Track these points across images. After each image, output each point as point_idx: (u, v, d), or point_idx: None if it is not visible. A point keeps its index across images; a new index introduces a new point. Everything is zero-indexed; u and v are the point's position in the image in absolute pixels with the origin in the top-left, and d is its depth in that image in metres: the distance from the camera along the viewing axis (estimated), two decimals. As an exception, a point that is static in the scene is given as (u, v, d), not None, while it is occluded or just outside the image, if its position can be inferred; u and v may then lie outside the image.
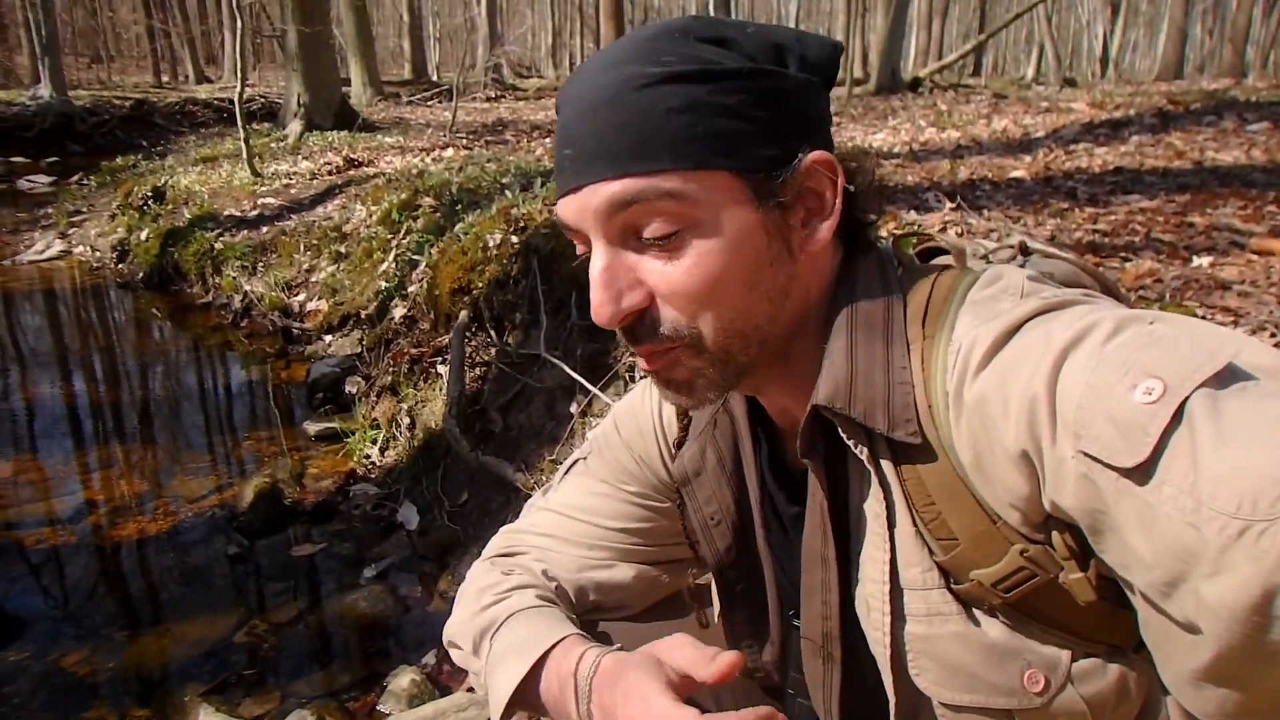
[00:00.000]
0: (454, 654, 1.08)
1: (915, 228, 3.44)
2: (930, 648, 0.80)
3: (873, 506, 0.80)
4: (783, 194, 0.78)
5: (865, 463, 0.78)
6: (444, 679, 2.50)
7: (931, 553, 0.78)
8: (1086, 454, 0.61)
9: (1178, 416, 0.57)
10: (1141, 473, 0.58)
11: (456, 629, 1.07)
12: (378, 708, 2.42)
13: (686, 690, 0.83)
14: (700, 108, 0.75)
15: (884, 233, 3.42)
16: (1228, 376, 0.59)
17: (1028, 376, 0.66)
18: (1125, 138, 5.92)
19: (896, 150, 6.15)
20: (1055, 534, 0.71)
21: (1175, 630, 0.62)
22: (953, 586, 0.78)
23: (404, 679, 2.47)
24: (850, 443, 0.79)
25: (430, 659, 2.58)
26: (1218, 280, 2.78)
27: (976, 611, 0.78)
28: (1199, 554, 0.56)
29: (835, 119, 9.04)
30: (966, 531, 0.75)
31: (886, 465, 0.79)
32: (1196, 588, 0.57)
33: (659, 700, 0.80)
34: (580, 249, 0.84)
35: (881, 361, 0.78)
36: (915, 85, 14.42)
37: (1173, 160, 4.97)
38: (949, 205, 3.84)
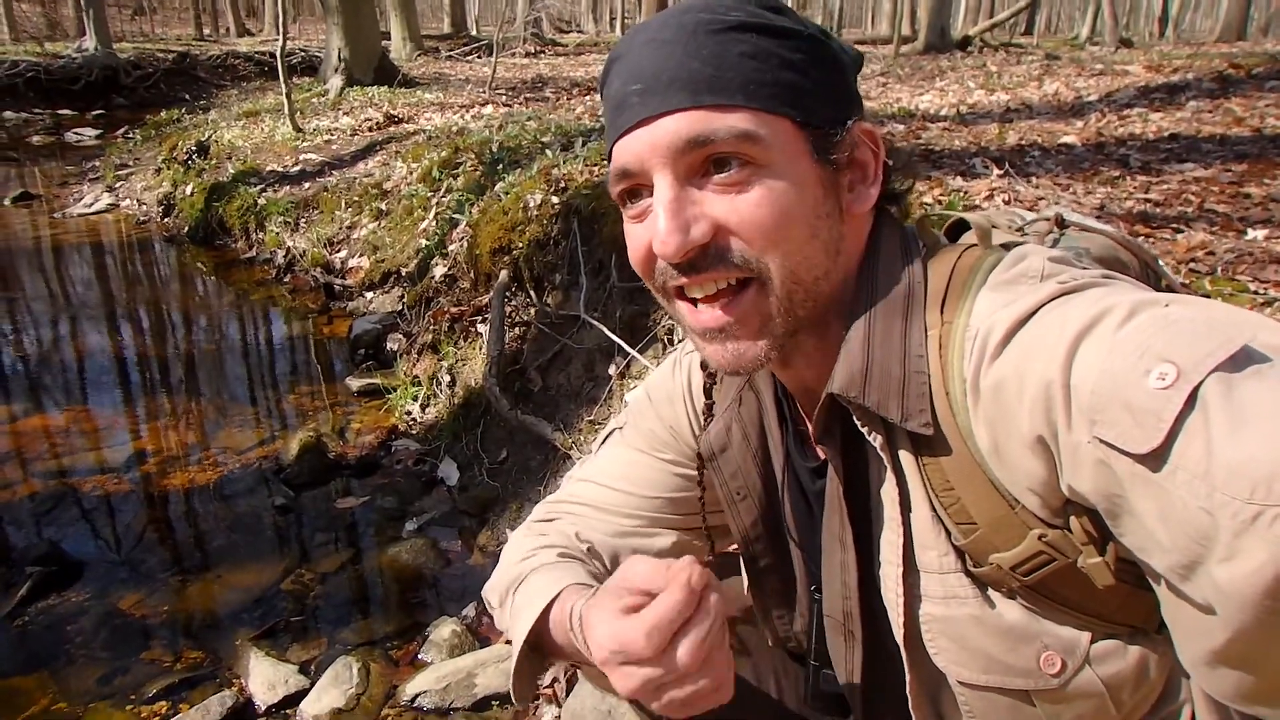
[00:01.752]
0: (492, 612, 1.12)
1: (959, 197, 3.39)
2: (947, 628, 0.81)
3: (888, 492, 0.81)
4: (836, 153, 0.81)
5: (879, 450, 0.80)
6: (484, 631, 2.56)
7: (950, 536, 0.79)
8: (1102, 440, 0.61)
9: (1191, 401, 0.58)
10: (1156, 458, 0.59)
11: (490, 588, 1.11)
12: (419, 656, 2.49)
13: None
14: (768, 56, 0.78)
15: (929, 199, 3.36)
16: (1243, 359, 0.59)
17: (1043, 362, 0.66)
18: (1182, 103, 5.74)
19: (944, 113, 6.01)
20: (1073, 519, 0.72)
21: (1193, 612, 0.63)
22: (971, 570, 0.79)
23: (445, 629, 2.54)
24: (864, 430, 0.80)
25: (470, 611, 2.64)
26: (1272, 254, 2.71)
27: (994, 594, 0.79)
28: (1213, 538, 0.56)
29: (882, 78, 8.90)
30: (985, 516, 0.76)
31: (905, 452, 0.80)
32: (1211, 571, 0.57)
33: (609, 623, 0.78)
34: (630, 212, 0.84)
35: (898, 351, 0.79)
36: (964, 44, 14.04)
37: (1231, 127, 4.81)
38: (996, 172, 3.77)
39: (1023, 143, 4.65)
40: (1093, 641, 0.77)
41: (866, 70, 9.95)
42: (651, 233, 0.80)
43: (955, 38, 14.44)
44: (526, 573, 1.03)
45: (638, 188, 0.82)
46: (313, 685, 2.36)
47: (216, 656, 2.50)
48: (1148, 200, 3.39)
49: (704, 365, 1.04)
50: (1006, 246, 0.86)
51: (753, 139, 0.76)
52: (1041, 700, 0.80)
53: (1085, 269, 0.78)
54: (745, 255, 0.78)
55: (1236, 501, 0.54)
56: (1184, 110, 5.50)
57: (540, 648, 0.98)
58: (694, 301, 0.83)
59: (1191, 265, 2.63)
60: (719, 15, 0.79)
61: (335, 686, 2.33)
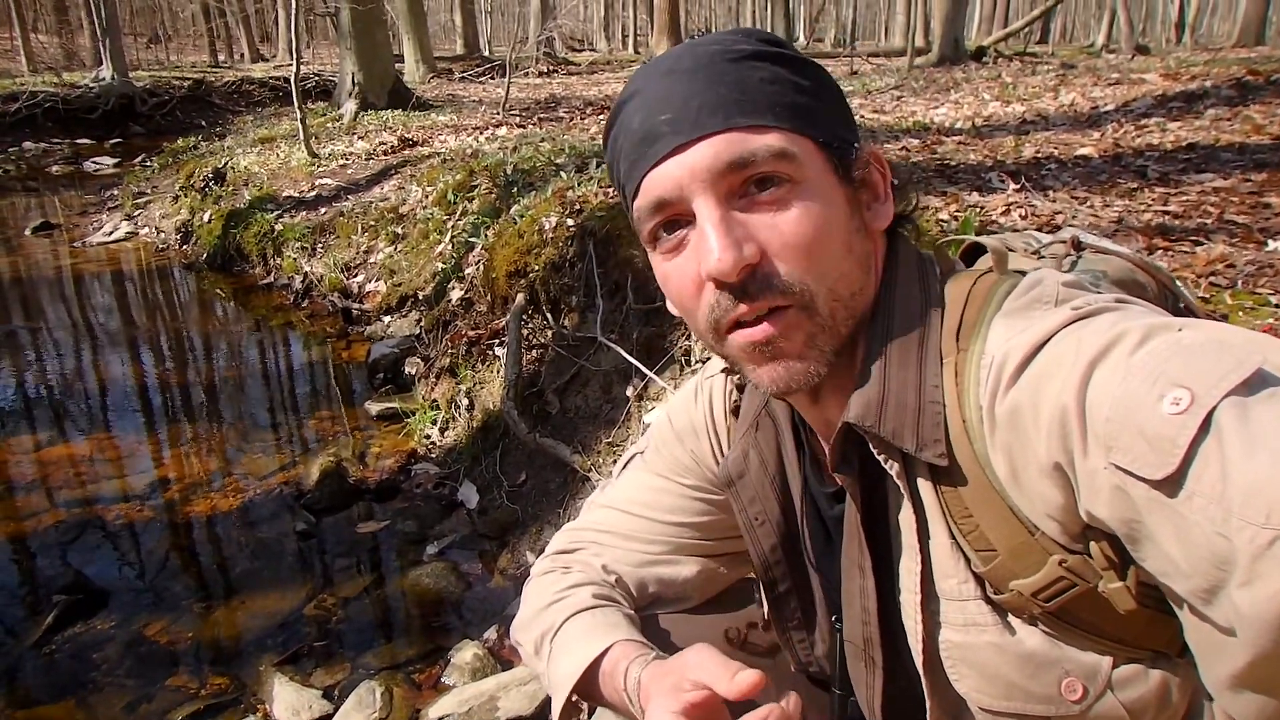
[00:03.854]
0: (520, 651, 1.12)
1: (975, 212, 3.38)
2: (968, 655, 0.81)
3: (905, 520, 0.82)
4: (855, 172, 0.83)
5: (896, 479, 0.80)
6: (505, 654, 2.56)
7: (970, 564, 0.79)
8: (1118, 466, 0.62)
9: (1206, 426, 0.58)
10: (1172, 484, 0.59)
11: (520, 628, 1.11)
12: (442, 680, 2.49)
13: (709, 707, 0.84)
14: (784, 82, 0.81)
15: (944, 214, 3.35)
16: (1257, 382, 0.59)
17: (1058, 389, 0.67)
18: (1200, 111, 5.70)
19: (959, 126, 6.01)
20: (1093, 544, 0.72)
21: (1214, 635, 0.63)
22: (991, 597, 0.79)
23: (467, 653, 2.54)
24: (881, 459, 0.80)
25: (492, 634, 2.65)
26: (1294, 266, 2.68)
27: (1015, 621, 0.79)
28: (1232, 563, 0.56)
29: (896, 92, 8.93)
30: (1005, 543, 0.76)
31: (923, 480, 0.80)
32: (1231, 595, 0.57)
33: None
34: (665, 247, 0.83)
35: (914, 380, 0.79)
36: (979, 55, 14.04)
37: (1250, 135, 4.78)
38: (1013, 186, 3.76)
39: (1039, 155, 4.64)
40: (1114, 667, 0.77)
41: (880, 83, 10.00)
42: (699, 257, 0.79)
43: (969, 48, 14.44)
44: (561, 620, 1.03)
45: (675, 219, 0.82)
46: (336, 710, 2.36)
47: (241, 682, 2.51)
48: (1166, 212, 3.37)
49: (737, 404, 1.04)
50: (1022, 271, 0.86)
51: (789, 156, 0.78)
52: None
53: (1099, 293, 0.79)
54: (789, 279, 0.78)
55: (1253, 526, 0.54)
56: (1202, 119, 5.46)
57: (582, 694, 0.99)
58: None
59: (1211, 279, 2.61)
60: (733, 46, 0.81)
61: (359, 711, 2.33)
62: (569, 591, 1.07)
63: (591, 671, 0.97)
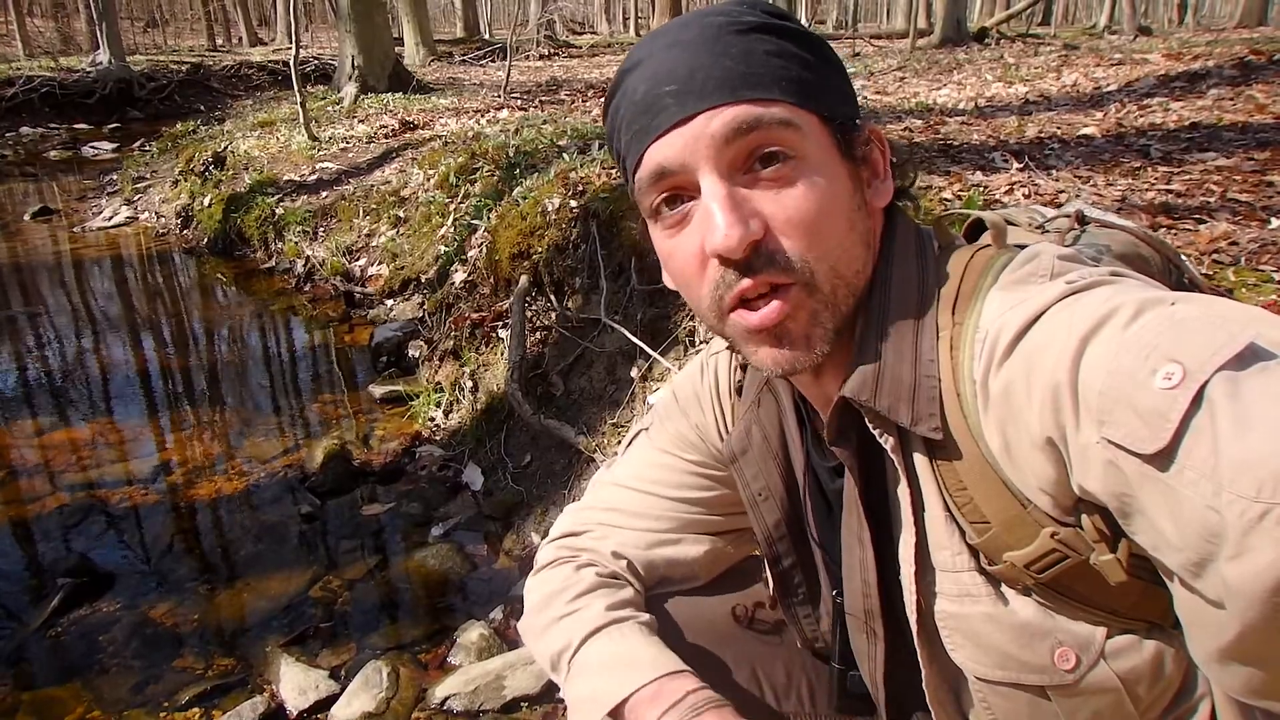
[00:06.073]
0: (532, 654, 1.11)
1: (978, 192, 3.37)
2: (962, 626, 0.82)
3: (901, 493, 0.82)
4: (857, 149, 0.83)
5: (890, 453, 0.80)
6: (511, 634, 2.57)
7: (964, 535, 0.80)
8: (1110, 441, 0.62)
9: (1198, 400, 0.58)
10: (1164, 458, 0.59)
11: (531, 634, 1.09)
12: (448, 660, 2.50)
13: None
14: (790, 56, 0.80)
15: (948, 194, 3.34)
16: (1249, 357, 0.59)
17: (1051, 364, 0.67)
18: (1203, 91, 5.70)
19: (962, 106, 6.00)
20: (1085, 517, 0.72)
21: (1204, 608, 0.63)
22: (985, 568, 0.80)
23: (473, 633, 2.55)
24: (876, 433, 0.81)
25: (498, 614, 2.66)
26: (1298, 244, 2.68)
27: (1008, 592, 0.80)
28: (1222, 536, 0.56)
29: (899, 73, 8.89)
30: (998, 516, 0.76)
31: (918, 454, 0.80)
32: (1221, 569, 0.57)
33: None
34: (667, 221, 0.83)
35: (910, 354, 0.79)
36: (982, 36, 14.02)
37: (1253, 115, 4.77)
38: (1016, 165, 3.75)
39: (1042, 135, 4.63)
40: (1108, 637, 0.78)
41: (883, 65, 9.96)
42: (703, 233, 0.78)
43: (972, 30, 14.43)
44: (578, 640, 1.01)
45: (677, 191, 0.81)
46: (343, 690, 2.37)
47: (247, 663, 2.52)
48: (1169, 191, 3.36)
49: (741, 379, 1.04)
50: (1022, 245, 0.86)
51: (795, 128, 0.77)
52: (1057, 696, 0.80)
53: (1095, 267, 0.79)
54: (792, 257, 0.78)
55: (1243, 500, 0.54)
56: (1205, 98, 5.45)
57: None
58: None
59: (1214, 256, 2.61)
60: (738, 18, 0.80)
61: (365, 691, 2.35)
62: (581, 603, 1.05)
63: (618, 708, 0.96)
